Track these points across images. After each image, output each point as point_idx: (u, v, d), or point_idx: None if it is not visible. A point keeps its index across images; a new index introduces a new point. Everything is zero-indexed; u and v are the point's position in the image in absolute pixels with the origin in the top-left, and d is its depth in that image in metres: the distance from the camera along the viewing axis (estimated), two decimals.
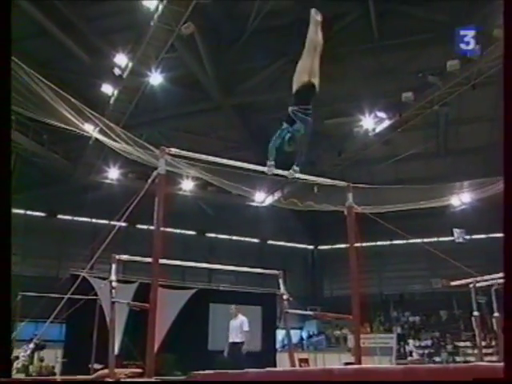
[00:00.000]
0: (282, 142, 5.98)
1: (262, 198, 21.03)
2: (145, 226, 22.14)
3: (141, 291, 14.25)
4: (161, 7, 14.24)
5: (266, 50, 19.80)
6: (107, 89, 17.37)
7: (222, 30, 19.59)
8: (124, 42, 16.57)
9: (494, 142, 23.29)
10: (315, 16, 6.22)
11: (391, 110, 18.55)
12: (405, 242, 20.15)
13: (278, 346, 20.61)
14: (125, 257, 7.77)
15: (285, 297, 8.41)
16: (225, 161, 6.96)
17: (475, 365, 2.99)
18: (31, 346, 12.55)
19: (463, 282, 10.47)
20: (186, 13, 14.34)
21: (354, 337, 6.95)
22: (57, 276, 21.93)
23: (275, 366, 16.74)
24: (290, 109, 5.94)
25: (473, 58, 15.62)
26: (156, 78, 17.25)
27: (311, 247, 30.54)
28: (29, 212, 22.57)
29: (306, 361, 20.60)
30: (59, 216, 24.02)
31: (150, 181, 5.87)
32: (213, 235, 27.96)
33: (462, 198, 20.42)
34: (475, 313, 10.45)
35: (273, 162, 6.10)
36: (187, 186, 22.38)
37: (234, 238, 28.25)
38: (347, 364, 9.22)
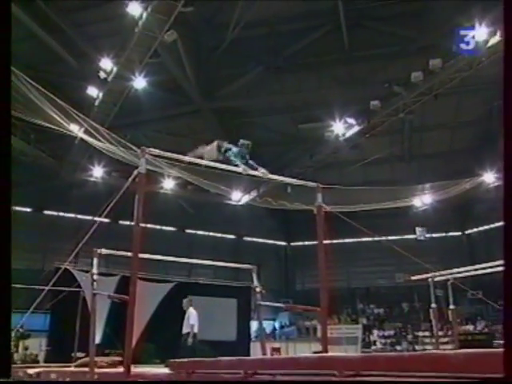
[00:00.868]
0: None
1: (238, 197, 21.08)
2: (127, 222, 21.93)
3: (123, 284, 14.15)
4: (145, 15, 14.17)
5: (243, 58, 19.90)
6: (92, 91, 17.21)
7: (203, 38, 19.59)
8: (109, 47, 16.40)
9: (454, 147, 23.79)
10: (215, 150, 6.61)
11: (360, 116, 18.72)
12: (372, 239, 20.40)
13: (252, 335, 20.67)
14: (106, 251, 7.70)
15: (258, 290, 8.42)
16: (204, 162, 6.95)
17: (427, 353, 3.06)
18: (13, 334, 12.34)
19: (423, 276, 10.67)
20: (169, 21, 14.29)
21: (321, 327, 7.00)
22: (42, 269, 21.55)
23: (249, 354, 16.79)
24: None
25: (435, 70, 15.95)
26: (140, 82, 17.15)
27: (284, 243, 30.64)
28: (17, 208, 22.15)
29: (278, 350, 20.74)
30: (45, 212, 23.66)
31: (130, 179, 5.83)
32: (192, 231, 27.86)
33: (423, 200, 20.79)
34: (433, 305, 10.66)
35: (243, 166, 6.47)
36: (168, 185, 22.25)
37: (212, 234, 28.26)
38: (315, 353, 9.29)
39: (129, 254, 5.92)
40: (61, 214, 24.30)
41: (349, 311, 26.87)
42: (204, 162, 6.86)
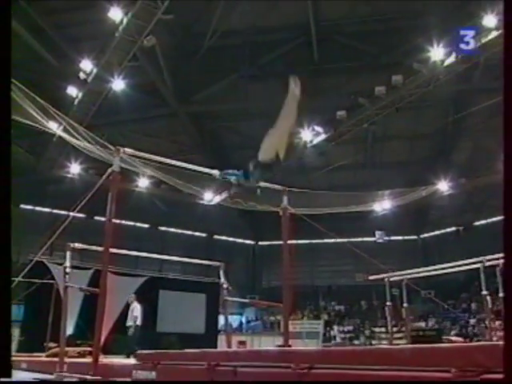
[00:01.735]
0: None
1: (210, 197, 20.95)
2: (102, 218, 21.55)
3: (96, 277, 13.84)
4: (125, 20, 14.03)
5: (219, 65, 19.87)
6: (72, 91, 16.91)
7: (181, 45, 19.50)
8: (90, 49, 16.16)
9: (412, 157, 24.29)
10: (294, 89, 4.73)
11: (327, 125, 18.93)
12: (334, 240, 20.62)
13: (219, 329, 20.59)
14: (78, 245, 7.57)
15: (224, 286, 8.41)
16: (178, 163, 6.91)
17: (377, 347, 3.11)
18: None
19: (380, 276, 10.85)
20: (148, 26, 14.19)
21: (284, 322, 7.04)
22: (17, 261, 20.96)
23: (216, 346, 16.72)
24: (251, 165, 5.45)
25: (397, 85, 16.27)
26: (118, 84, 16.95)
27: (252, 242, 30.70)
28: None
29: (243, 343, 20.71)
30: (22, 206, 23.03)
31: (104, 177, 5.76)
32: (164, 229, 27.65)
33: (383, 205, 21.14)
34: (388, 303, 10.86)
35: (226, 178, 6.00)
36: (143, 183, 21.98)
37: (184, 231, 28.10)
38: (279, 346, 9.35)
39: (101, 248, 5.84)
40: (37, 208, 23.73)
41: (311, 307, 27.09)
42: None
